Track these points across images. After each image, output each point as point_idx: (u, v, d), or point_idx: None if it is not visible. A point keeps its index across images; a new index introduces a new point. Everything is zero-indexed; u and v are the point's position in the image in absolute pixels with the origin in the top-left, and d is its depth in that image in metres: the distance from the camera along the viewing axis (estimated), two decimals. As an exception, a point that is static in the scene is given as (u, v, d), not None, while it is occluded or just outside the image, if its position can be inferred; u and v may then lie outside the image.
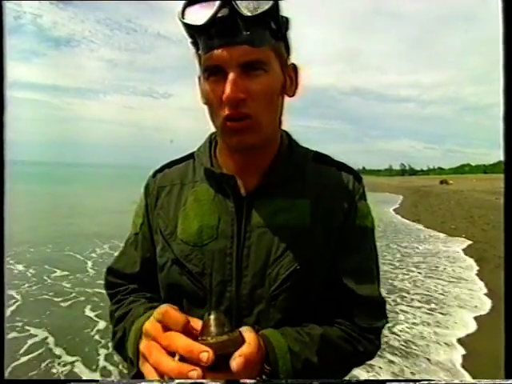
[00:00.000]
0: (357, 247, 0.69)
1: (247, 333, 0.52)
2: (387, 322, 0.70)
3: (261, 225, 0.66)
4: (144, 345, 0.52)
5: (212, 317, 0.49)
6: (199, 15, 0.57)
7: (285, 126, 0.72)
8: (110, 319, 0.74)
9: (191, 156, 0.77)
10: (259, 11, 0.56)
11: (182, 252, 0.67)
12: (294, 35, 0.65)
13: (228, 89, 0.57)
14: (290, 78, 0.67)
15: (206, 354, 0.45)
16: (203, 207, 0.68)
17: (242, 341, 0.50)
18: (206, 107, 0.65)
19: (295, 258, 0.65)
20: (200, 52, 0.62)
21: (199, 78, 0.65)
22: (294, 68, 0.68)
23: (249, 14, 0.56)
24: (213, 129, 0.67)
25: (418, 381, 0.53)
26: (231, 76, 0.57)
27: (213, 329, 0.48)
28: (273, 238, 0.65)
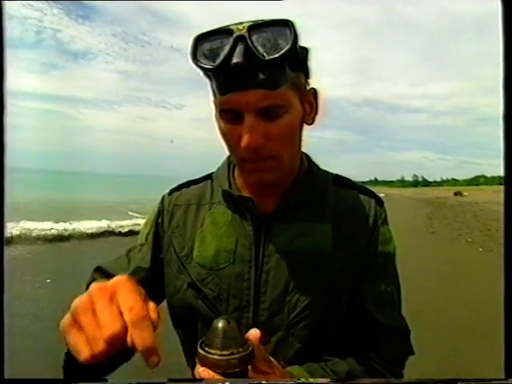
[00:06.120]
0: (379, 274, 0.65)
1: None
2: (413, 354, 0.65)
3: (280, 249, 0.63)
4: None
5: (220, 325, 0.43)
6: (211, 55, 0.53)
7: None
8: None
9: (209, 177, 0.74)
10: (277, 54, 0.50)
11: (199, 275, 0.65)
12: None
13: (245, 136, 0.54)
14: (309, 104, 0.62)
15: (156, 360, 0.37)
16: (220, 230, 0.66)
17: (250, 360, 0.44)
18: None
19: (316, 285, 0.61)
20: (214, 88, 0.58)
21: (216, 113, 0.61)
22: (314, 93, 0.63)
23: (266, 56, 0.50)
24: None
25: (485, 380, 0.49)
26: (248, 122, 0.54)
27: (217, 341, 0.43)
28: (292, 264, 0.62)
